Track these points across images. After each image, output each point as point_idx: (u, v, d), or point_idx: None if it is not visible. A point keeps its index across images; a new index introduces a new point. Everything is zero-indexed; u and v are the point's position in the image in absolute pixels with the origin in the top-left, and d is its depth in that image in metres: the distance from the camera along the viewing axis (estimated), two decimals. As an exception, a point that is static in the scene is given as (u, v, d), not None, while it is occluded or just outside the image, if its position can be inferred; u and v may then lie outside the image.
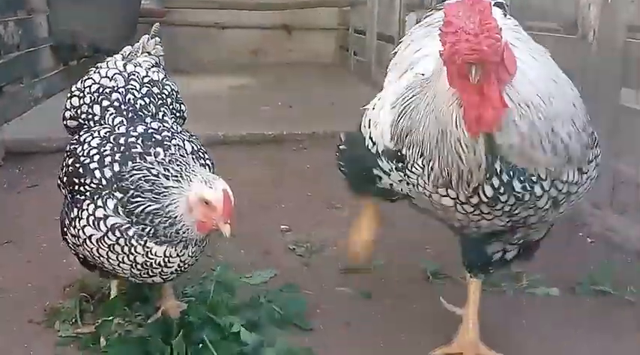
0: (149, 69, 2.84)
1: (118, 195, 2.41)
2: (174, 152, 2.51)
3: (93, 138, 2.57)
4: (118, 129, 2.58)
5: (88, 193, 2.46)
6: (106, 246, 2.42)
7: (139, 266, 2.42)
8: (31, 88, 6.77)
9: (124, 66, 2.82)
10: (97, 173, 2.45)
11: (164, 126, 2.63)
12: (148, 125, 2.61)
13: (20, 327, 2.81)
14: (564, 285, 3.17)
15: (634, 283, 3.16)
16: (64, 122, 2.82)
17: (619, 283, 3.14)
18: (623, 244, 3.59)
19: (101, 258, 2.47)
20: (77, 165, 2.52)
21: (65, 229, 2.57)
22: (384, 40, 8.23)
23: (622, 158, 3.73)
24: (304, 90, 7.93)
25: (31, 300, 3.01)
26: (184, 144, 2.58)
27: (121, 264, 2.44)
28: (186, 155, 2.53)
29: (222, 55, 10.28)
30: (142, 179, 2.39)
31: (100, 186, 2.43)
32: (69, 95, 2.81)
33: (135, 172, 2.42)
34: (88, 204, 2.44)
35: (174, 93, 2.86)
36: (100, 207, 2.41)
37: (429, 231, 3.18)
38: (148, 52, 2.91)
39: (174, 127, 2.66)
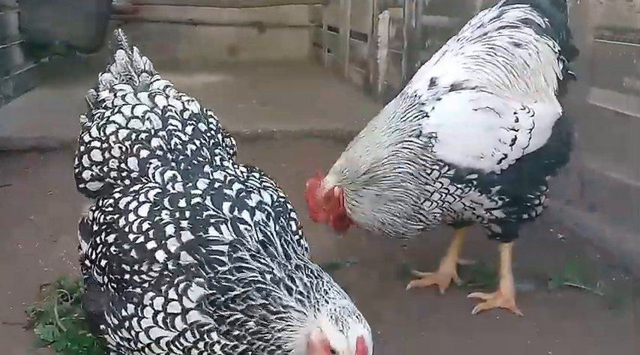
0: (179, 98, 2.21)
1: (207, 288, 1.75)
2: (264, 216, 1.86)
3: (139, 204, 1.89)
4: (173, 187, 1.90)
5: (147, 284, 1.80)
6: (180, 348, 1.81)
7: None
8: (1, 86, 6.69)
9: (152, 98, 2.15)
10: (160, 255, 1.79)
11: (231, 174, 1.97)
12: (211, 176, 1.94)
13: (-4, 328, 2.79)
14: (537, 280, 3.23)
15: (603, 278, 3.24)
16: (81, 184, 2.14)
17: (589, 278, 3.22)
18: (592, 240, 3.68)
19: None
20: (126, 247, 1.84)
21: (104, 326, 1.93)
22: (357, 38, 8.27)
23: (591, 156, 3.82)
24: (279, 88, 7.94)
25: (6, 302, 2.99)
26: (263, 196, 1.93)
27: None
28: (271, 211, 1.89)
29: (195, 53, 10.24)
30: (254, 285, 1.74)
31: (167, 272, 1.78)
32: (82, 149, 2.13)
33: (243, 269, 1.75)
34: (153, 298, 1.79)
35: (219, 125, 2.27)
36: (175, 299, 1.77)
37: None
38: (146, 71, 2.29)
39: (242, 173, 2.02)
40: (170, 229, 1.80)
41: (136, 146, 2.03)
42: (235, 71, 9.27)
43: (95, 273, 1.97)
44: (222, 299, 1.73)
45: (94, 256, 1.97)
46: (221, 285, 1.74)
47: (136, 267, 1.81)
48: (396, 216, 2.81)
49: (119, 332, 1.88)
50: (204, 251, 1.76)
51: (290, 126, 5.90)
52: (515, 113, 2.84)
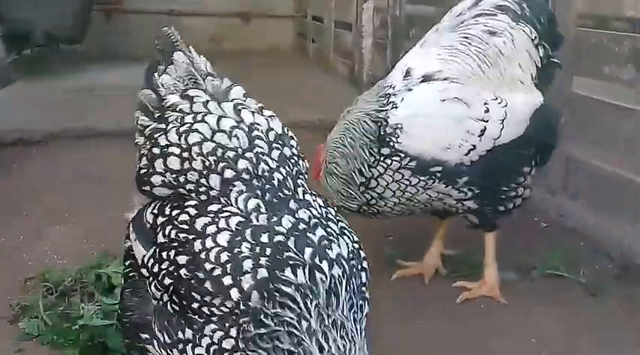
0: (260, 112, 1.99)
1: (252, 328, 1.64)
2: (340, 272, 1.70)
3: (218, 230, 1.73)
4: (257, 219, 1.75)
5: (215, 317, 1.69)
6: None
7: None
8: (-18, 78, 6.61)
9: (238, 112, 1.94)
10: (234, 293, 1.65)
11: (314, 214, 1.80)
12: (296, 215, 1.77)
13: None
14: (520, 269, 3.26)
15: (586, 265, 3.27)
16: (146, 187, 1.94)
17: (572, 266, 3.25)
18: (576, 228, 3.71)
19: None
20: (201, 277, 1.70)
21: (148, 337, 1.87)
22: (342, 28, 8.26)
23: (575, 145, 3.84)
24: (263, 79, 7.91)
25: (-9, 295, 2.99)
26: (341, 246, 1.76)
27: None
28: (347, 267, 1.74)
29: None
30: (286, 327, 1.64)
31: (237, 310, 1.66)
32: (155, 151, 1.91)
33: (284, 306, 1.64)
34: (215, 330, 1.70)
35: (299, 147, 2.03)
36: (233, 337, 1.68)
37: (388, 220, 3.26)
38: (210, 74, 2.08)
39: (321, 209, 1.85)
40: (248, 264, 1.67)
41: (221, 164, 1.83)
42: (219, 62, 9.19)
43: (153, 287, 1.83)
44: (252, 333, 1.64)
45: (155, 269, 1.82)
46: (258, 320, 1.63)
47: (207, 299, 1.68)
48: (339, 192, 2.94)
49: (168, 350, 1.81)
50: (272, 287, 1.64)
51: (275, 117, 5.88)
52: (485, 103, 2.82)
